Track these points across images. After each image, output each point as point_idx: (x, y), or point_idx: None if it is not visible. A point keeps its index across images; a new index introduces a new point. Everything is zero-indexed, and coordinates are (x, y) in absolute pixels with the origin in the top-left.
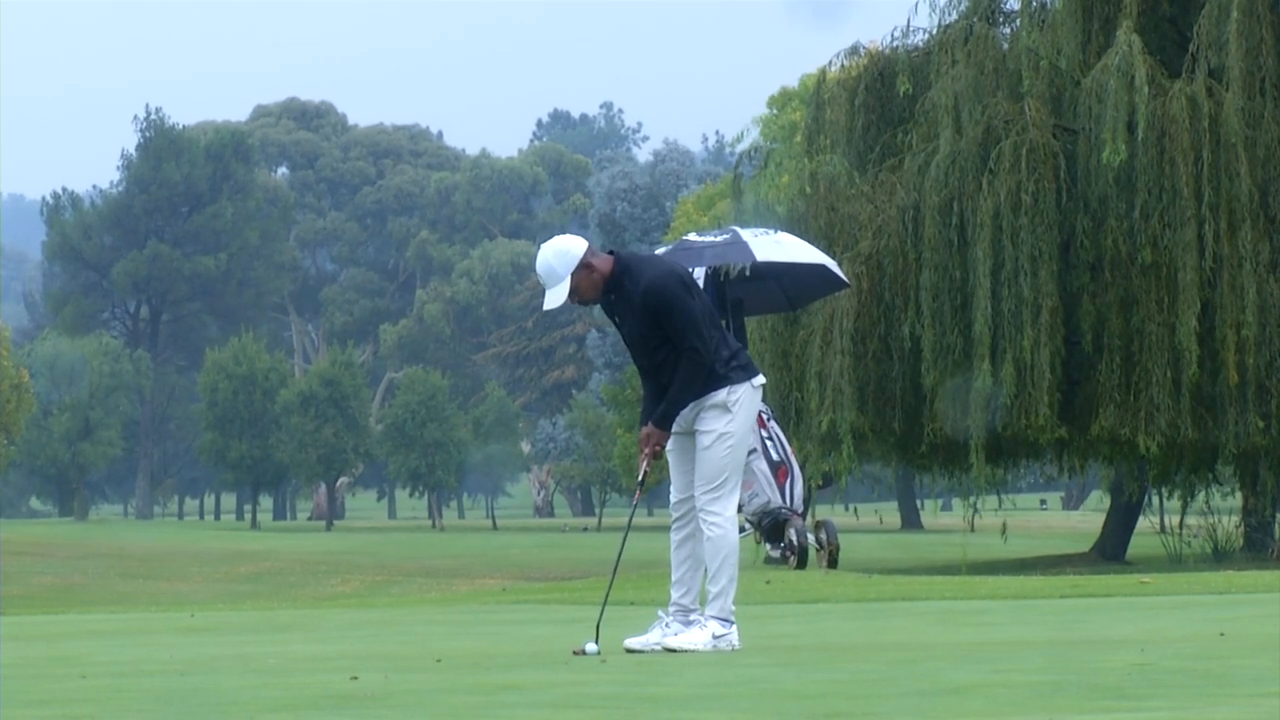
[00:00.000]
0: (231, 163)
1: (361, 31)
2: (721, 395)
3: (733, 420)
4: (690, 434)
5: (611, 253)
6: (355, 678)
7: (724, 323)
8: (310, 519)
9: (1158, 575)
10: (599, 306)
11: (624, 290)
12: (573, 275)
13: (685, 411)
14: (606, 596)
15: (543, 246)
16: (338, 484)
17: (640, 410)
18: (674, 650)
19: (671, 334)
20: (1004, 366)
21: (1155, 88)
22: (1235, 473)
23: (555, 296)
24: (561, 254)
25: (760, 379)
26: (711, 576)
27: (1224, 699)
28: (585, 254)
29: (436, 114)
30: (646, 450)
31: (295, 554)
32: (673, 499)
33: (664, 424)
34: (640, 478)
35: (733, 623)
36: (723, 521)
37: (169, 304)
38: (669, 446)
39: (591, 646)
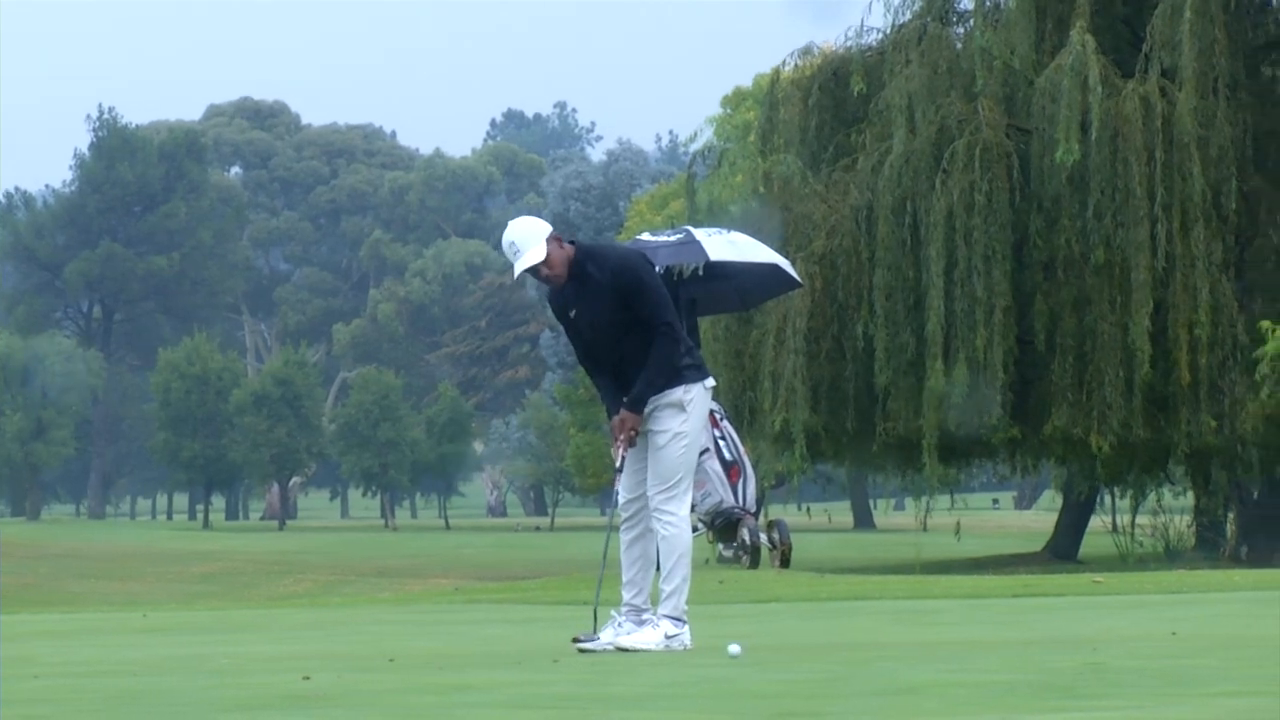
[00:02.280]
0: (185, 162)
1: (315, 31)
2: (678, 393)
3: (688, 420)
4: (643, 434)
5: (572, 242)
6: (308, 678)
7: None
8: (263, 519)
9: (1110, 575)
10: (550, 307)
11: (587, 275)
12: (546, 242)
13: None
14: (598, 595)
15: (511, 221)
16: (290, 484)
17: (605, 409)
18: (626, 650)
19: (643, 313)
20: (957, 366)
21: (1108, 88)
22: (1187, 472)
23: (531, 258)
24: (534, 222)
25: (711, 381)
26: (665, 575)
27: (1176, 698)
28: (553, 232)
29: (390, 114)
30: (621, 437)
31: (248, 554)
32: (621, 499)
33: (636, 407)
34: (619, 464)
35: (685, 622)
36: (677, 521)
37: (122, 303)
38: None
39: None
